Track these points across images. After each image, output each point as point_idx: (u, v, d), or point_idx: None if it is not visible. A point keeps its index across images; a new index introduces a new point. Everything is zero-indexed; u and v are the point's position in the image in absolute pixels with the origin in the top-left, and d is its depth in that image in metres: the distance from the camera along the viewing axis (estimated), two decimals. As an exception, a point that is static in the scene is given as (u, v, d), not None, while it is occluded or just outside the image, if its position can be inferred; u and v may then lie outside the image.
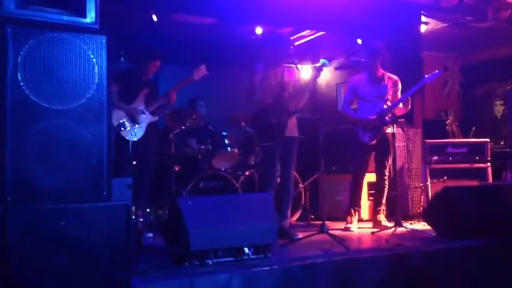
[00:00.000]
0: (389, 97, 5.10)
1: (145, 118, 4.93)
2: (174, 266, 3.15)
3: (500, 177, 5.95)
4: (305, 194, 6.03)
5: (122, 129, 4.75)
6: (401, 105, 5.02)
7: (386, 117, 4.99)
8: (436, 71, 5.02)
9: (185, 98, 5.90)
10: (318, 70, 4.48)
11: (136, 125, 4.86)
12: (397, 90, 5.18)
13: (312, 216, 5.99)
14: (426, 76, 4.98)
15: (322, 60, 4.46)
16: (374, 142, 5.09)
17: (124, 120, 4.80)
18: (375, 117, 5.03)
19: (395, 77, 5.23)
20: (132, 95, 4.90)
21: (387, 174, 5.20)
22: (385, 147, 5.13)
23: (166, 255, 3.35)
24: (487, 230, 3.96)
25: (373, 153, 5.23)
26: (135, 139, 4.83)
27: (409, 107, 5.08)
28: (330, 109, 7.19)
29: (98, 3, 2.81)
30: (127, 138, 4.76)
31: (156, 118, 5.05)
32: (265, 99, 4.53)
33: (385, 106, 5.02)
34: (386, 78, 5.19)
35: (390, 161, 5.18)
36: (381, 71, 5.21)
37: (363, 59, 5.18)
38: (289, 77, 4.66)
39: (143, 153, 4.92)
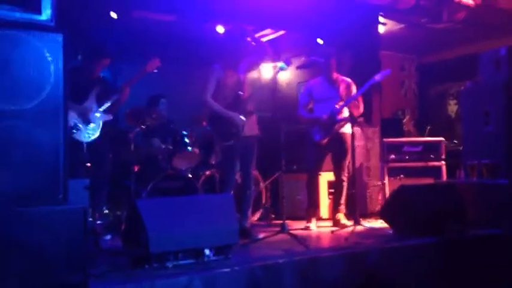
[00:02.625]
0: (342, 99, 5.18)
1: (99, 118, 4.70)
2: (133, 268, 3.11)
3: (454, 175, 6.15)
4: (266, 194, 6.05)
5: (75, 131, 4.48)
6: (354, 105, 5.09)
7: (338, 117, 5.10)
8: (385, 70, 5.10)
9: (145, 97, 5.82)
10: (275, 73, 4.52)
11: (90, 125, 4.62)
12: (350, 92, 5.24)
13: (273, 216, 6.02)
14: (375, 76, 5.06)
15: (279, 64, 4.50)
16: (325, 141, 5.15)
17: (76, 121, 4.53)
18: (325, 116, 5.13)
19: (348, 80, 5.31)
20: (82, 94, 4.65)
21: (346, 175, 5.25)
22: (341, 147, 5.19)
23: (125, 257, 3.29)
24: (441, 227, 4.08)
25: (330, 153, 5.29)
26: (89, 140, 4.59)
27: (361, 107, 5.14)
28: (290, 108, 7.22)
29: (54, -1, 2.73)
30: (80, 140, 4.51)
31: (110, 117, 4.81)
32: (223, 99, 4.53)
33: (336, 106, 5.12)
34: (339, 81, 5.29)
35: (348, 161, 5.24)
36: (335, 74, 5.30)
37: (323, 59, 5.24)
38: (247, 76, 4.69)
39: (98, 154, 4.71)
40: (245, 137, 4.57)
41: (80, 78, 4.71)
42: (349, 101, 5.07)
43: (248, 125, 4.58)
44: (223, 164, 4.79)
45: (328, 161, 5.40)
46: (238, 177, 4.82)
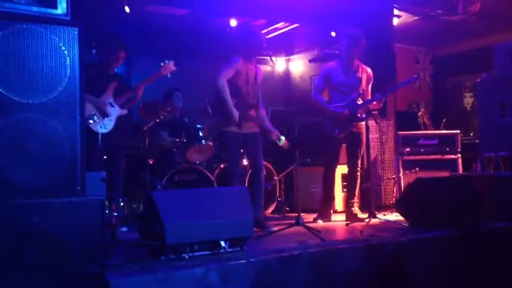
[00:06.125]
0: (362, 90, 5.10)
1: (115, 111, 4.91)
2: (149, 260, 3.13)
3: (470, 168, 6.09)
4: (280, 187, 6.05)
5: (91, 121, 4.71)
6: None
7: (358, 114, 4.99)
8: (414, 76, 5.07)
9: (160, 90, 5.85)
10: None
11: (106, 118, 4.84)
12: (369, 83, 5.17)
13: (287, 208, 6.02)
14: (404, 80, 5.03)
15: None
16: (343, 136, 5.08)
17: (93, 112, 4.75)
18: (346, 111, 5.00)
19: (369, 70, 5.19)
20: (100, 88, 4.85)
21: (359, 166, 5.19)
22: (356, 139, 5.11)
23: (142, 249, 3.32)
24: (457, 219, 4.05)
25: (345, 145, 5.24)
26: (105, 131, 4.79)
27: (382, 104, 5.09)
28: (304, 101, 7.22)
29: (69, -6, 2.75)
30: (96, 130, 4.71)
31: (125, 111, 5.02)
32: (237, 90, 4.57)
33: (358, 102, 5.01)
34: (360, 70, 5.15)
35: (362, 152, 5.17)
36: (357, 61, 5.17)
37: (337, 52, 5.19)
38: (259, 76, 4.72)
39: (114, 147, 4.89)
40: (246, 133, 4.61)
41: (97, 73, 4.89)
42: (371, 100, 4.96)
43: (248, 125, 4.62)
44: (227, 155, 4.80)
45: (342, 153, 5.36)
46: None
